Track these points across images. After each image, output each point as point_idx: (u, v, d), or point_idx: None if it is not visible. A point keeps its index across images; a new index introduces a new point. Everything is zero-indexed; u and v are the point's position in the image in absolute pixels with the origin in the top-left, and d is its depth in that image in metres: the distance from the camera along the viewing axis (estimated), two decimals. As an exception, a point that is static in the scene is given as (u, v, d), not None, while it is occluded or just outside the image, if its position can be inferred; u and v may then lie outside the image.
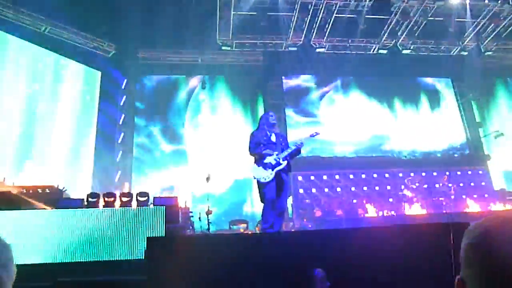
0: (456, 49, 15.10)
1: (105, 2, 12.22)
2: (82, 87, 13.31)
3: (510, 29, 14.56)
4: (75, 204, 7.36)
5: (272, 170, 5.20)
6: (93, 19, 12.40)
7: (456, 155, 14.78)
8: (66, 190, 8.87)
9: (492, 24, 14.23)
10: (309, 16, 13.37)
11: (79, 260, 5.77)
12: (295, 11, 13.16)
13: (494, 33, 14.61)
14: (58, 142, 12.04)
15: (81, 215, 6.37)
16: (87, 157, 12.68)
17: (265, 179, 5.17)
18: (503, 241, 0.82)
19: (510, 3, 13.25)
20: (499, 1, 13.13)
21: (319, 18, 13.47)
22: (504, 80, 16.55)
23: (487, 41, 14.88)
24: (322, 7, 13.02)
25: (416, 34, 14.40)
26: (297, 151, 5.43)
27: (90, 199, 7.86)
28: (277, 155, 5.30)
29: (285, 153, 5.34)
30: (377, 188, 13.15)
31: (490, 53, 15.21)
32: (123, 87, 14.13)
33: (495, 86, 16.40)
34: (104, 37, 13.59)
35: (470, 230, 0.94)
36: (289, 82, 15.05)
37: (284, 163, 5.30)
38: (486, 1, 13.12)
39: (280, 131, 5.96)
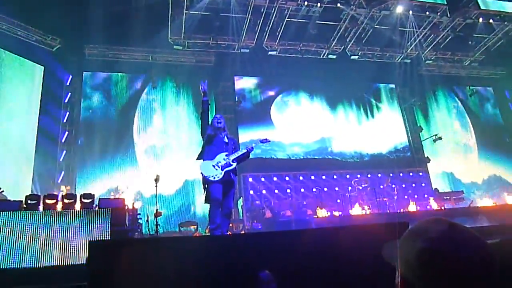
0: (400, 56, 15.90)
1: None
2: (24, 82, 12.50)
3: (448, 40, 15.58)
4: (12, 206, 6.89)
5: (222, 170, 5.15)
6: (36, 12, 11.68)
7: (399, 158, 15.56)
8: (3, 191, 8.31)
9: (432, 35, 15.15)
10: (262, 19, 13.52)
11: (14, 267, 5.42)
12: (248, 13, 13.23)
13: (433, 43, 15.59)
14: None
15: (18, 218, 6.00)
16: (27, 156, 11.90)
17: (213, 177, 5.09)
18: (462, 246, 0.90)
19: (448, 15, 14.18)
20: (439, 13, 14.01)
21: (272, 22, 13.67)
22: (442, 87, 17.68)
23: (427, 50, 15.85)
24: (274, 10, 13.21)
25: (363, 41, 15.03)
26: (247, 154, 5.38)
27: (29, 201, 7.39)
28: (227, 155, 5.25)
29: (236, 154, 5.29)
30: (325, 189, 13.49)
31: (430, 61, 16.28)
32: (67, 83, 13.45)
33: (435, 92, 17.50)
34: (49, 31, 12.88)
35: (418, 233, 0.98)
36: (241, 83, 15.09)
37: (234, 164, 5.26)
38: (427, 13, 13.93)
39: (231, 134, 5.90)
